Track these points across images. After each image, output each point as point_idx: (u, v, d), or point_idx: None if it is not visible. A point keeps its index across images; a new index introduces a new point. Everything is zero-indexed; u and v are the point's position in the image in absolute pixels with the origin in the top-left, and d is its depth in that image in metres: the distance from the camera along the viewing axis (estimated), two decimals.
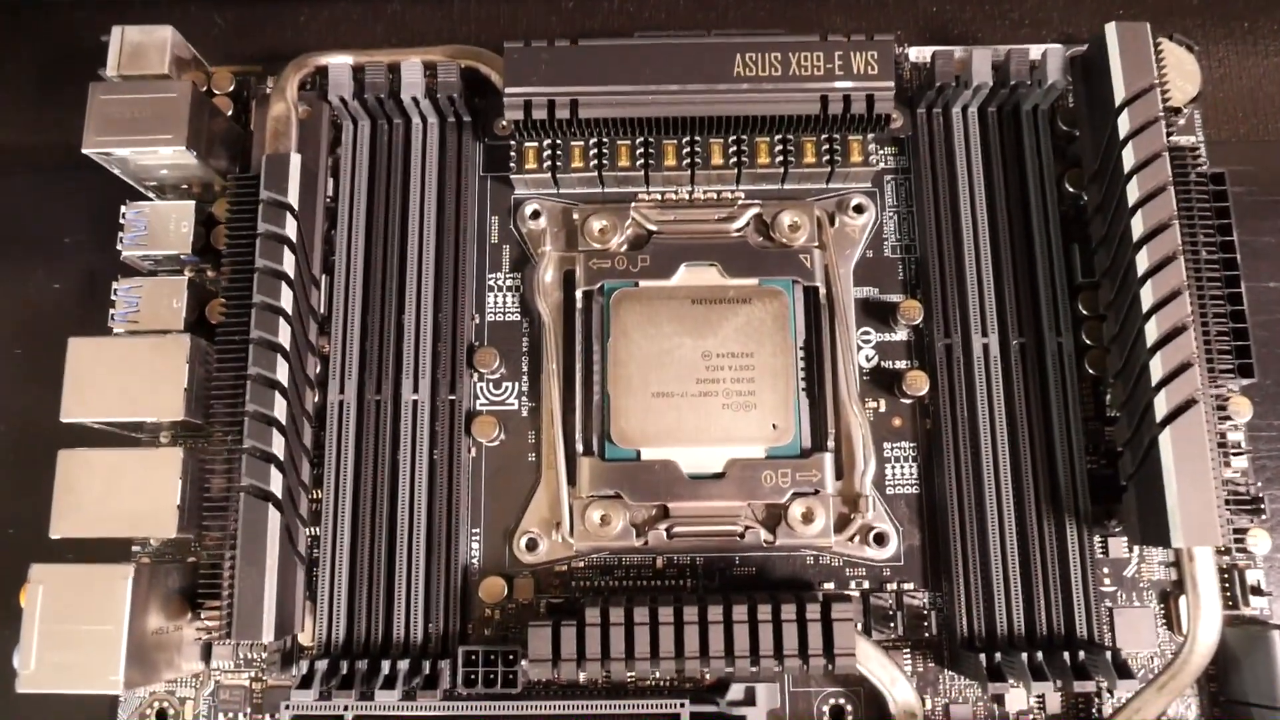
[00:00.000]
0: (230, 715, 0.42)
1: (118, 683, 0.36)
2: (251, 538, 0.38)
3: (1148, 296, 0.40)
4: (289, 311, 0.40)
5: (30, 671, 0.36)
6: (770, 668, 0.38)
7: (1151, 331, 0.39)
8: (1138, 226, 0.40)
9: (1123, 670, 0.38)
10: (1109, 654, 0.39)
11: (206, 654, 0.43)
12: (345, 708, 0.40)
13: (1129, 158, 0.41)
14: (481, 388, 0.45)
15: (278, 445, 0.39)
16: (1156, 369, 0.39)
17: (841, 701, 0.42)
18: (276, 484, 0.39)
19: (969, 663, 0.40)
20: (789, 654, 0.38)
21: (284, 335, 0.40)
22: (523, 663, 0.40)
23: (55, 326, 0.46)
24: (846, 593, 0.42)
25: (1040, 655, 0.39)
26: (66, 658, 0.36)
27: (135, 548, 0.43)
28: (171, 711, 0.42)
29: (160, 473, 0.39)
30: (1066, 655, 0.39)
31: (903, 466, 0.44)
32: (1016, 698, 0.42)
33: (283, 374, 0.39)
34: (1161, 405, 0.39)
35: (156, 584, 0.39)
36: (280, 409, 0.39)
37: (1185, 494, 0.38)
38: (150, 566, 0.39)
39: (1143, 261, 0.40)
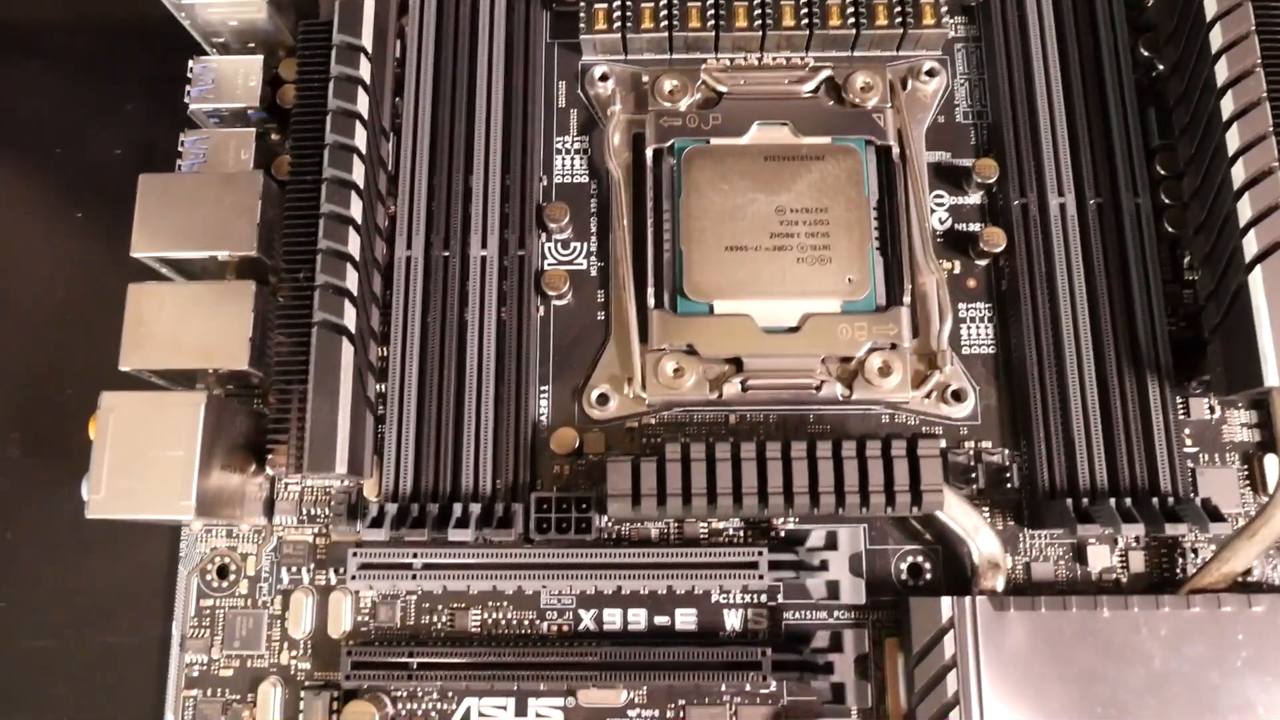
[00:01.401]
0: (293, 570, 0.41)
1: (189, 508, 0.35)
2: (324, 371, 0.37)
3: (1233, 141, 0.39)
4: (362, 151, 0.39)
5: (100, 497, 0.35)
6: (854, 509, 0.37)
7: (1238, 176, 0.39)
8: (1221, 72, 0.40)
9: (1215, 515, 0.38)
10: (1198, 501, 0.38)
11: (269, 509, 0.42)
12: (414, 555, 0.40)
13: (1210, 5, 0.41)
14: (550, 248, 0.44)
15: (351, 282, 0.38)
16: (1244, 211, 0.38)
17: (920, 559, 0.41)
18: (350, 320, 0.38)
19: (1054, 511, 0.39)
20: (874, 490, 0.37)
21: (358, 174, 0.39)
22: (600, 518, 0.39)
23: (115, 191, 0.46)
24: (932, 433, 0.41)
25: (1128, 502, 0.39)
26: (136, 484, 0.35)
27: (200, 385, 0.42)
28: (233, 567, 0.41)
29: (232, 305, 0.38)
30: (1155, 501, 0.39)
31: (978, 327, 0.43)
32: (1099, 555, 0.41)
33: (356, 212, 0.39)
34: (1251, 246, 0.38)
35: (225, 421, 0.38)
36: (354, 245, 0.39)
37: (1279, 331, 0.37)
38: (221, 400, 0.38)
39: (1227, 107, 0.39)
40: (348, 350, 0.38)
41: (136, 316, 0.38)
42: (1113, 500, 0.38)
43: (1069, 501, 0.38)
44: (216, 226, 0.38)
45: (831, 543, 0.38)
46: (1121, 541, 0.41)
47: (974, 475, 0.41)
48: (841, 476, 0.37)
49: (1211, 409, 0.42)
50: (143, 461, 0.36)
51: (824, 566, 0.38)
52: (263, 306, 0.39)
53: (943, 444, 0.41)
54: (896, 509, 0.37)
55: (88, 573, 0.42)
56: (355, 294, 0.38)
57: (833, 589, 0.38)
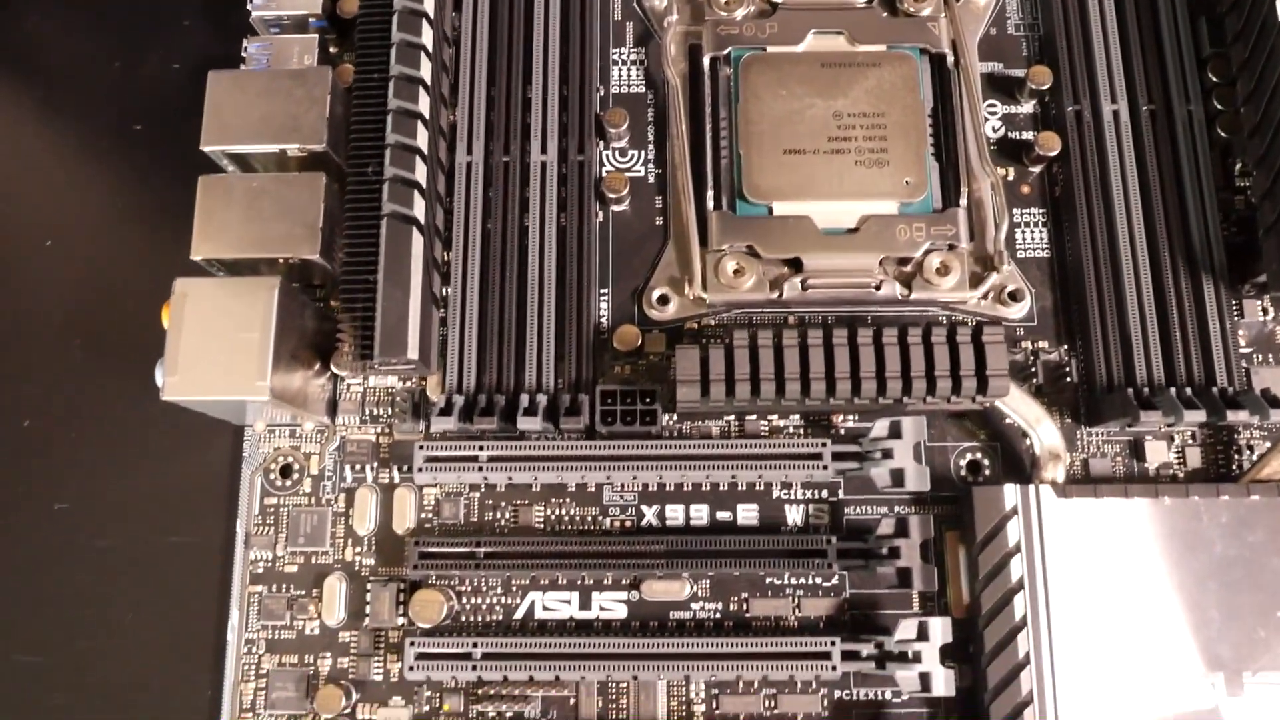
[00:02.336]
0: (356, 469, 0.42)
1: (264, 388, 0.36)
2: (394, 259, 0.38)
3: None
4: (429, 49, 0.40)
5: (175, 379, 0.36)
6: (919, 395, 0.38)
7: None
8: None
9: (1274, 402, 0.38)
10: (1258, 391, 0.39)
11: (332, 410, 0.42)
12: (480, 448, 0.40)
13: None
14: (608, 155, 0.44)
15: (420, 175, 0.39)
16: None
17: (979, 456, 0.41)
18: (419, 211, 0.39)
19: (1113, 403, 0.39)
20: (940, 374, 0.37)
21: (425, 71, 0.40)
22: (664, 416, 0.40)
23: (173, 106, 0.47)
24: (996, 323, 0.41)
25: (1188, 392, 0.39)
26: (211, 366, 0.36)
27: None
28: (296, 466, 0.42)
29: (302, 196, 0.38)
30: (1214, 391, 0.39)
31: (1032, 232, 0.44)
32: (1156, 450, 0.41)
33: (424, 107, 0.39)
34: None
35: (295, 310, 0.38)
36: (422, 140, 0.39)
37: None
38: (292, 288, 0.38)
39: None
40: (418, 241, 0.38)
41: (206, 208, 0.38)
42: (1172, 390, 0.39)
43: (1129, 391, 0.39)
44: (286, 121, 0.39)
45: (895, 432, 0.38)
46: (1178, 438, 0.41)
47: (1032, 372, 0.41)
48: (908, 361, 0.37)
49: (1265, 310, 0.42)
50: (217, 344, 0.36)
51: (888, 455, 0.38)
52: (331, 202, 0.40)
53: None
54: (962, 394, 0.38)
55: (151, 475, 0.43)
56: (424, 187, 0.39)
57: (897, 477, 0.39)
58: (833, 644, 0.37)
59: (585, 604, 0.40)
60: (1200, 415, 0.38)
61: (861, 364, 0.38)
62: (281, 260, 0.39)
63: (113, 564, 0.42)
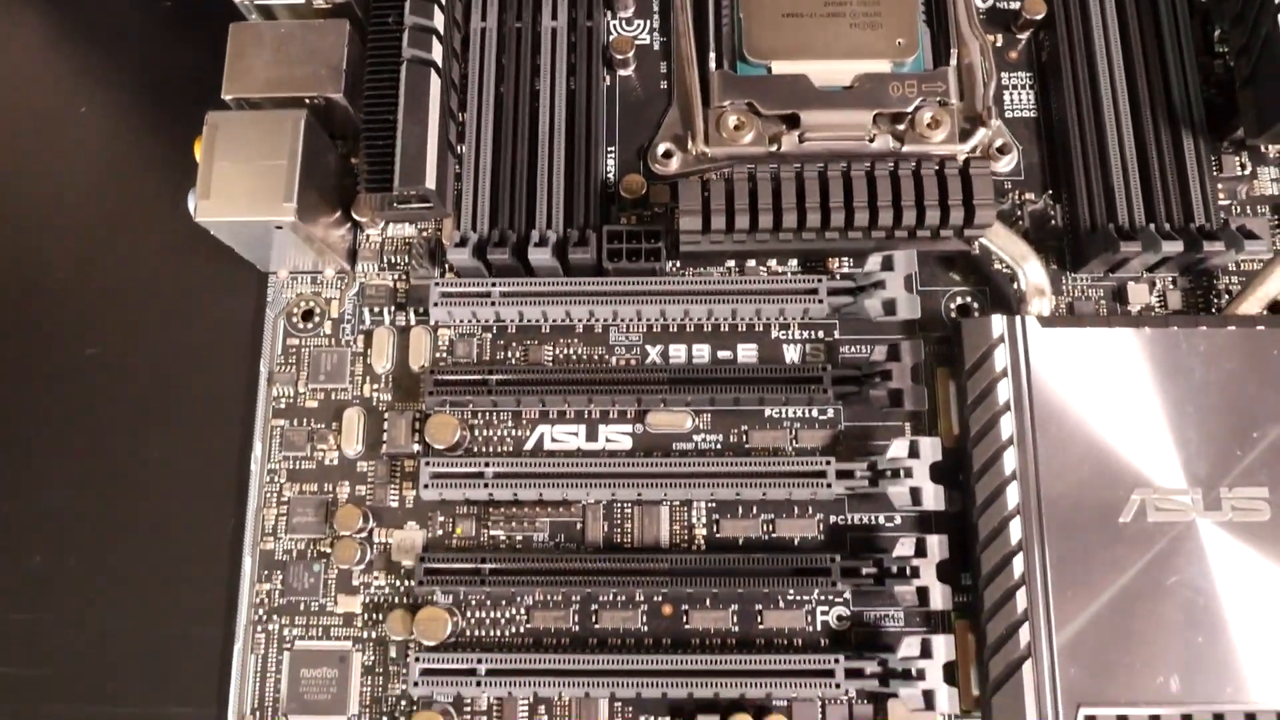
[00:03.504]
0: (375, 311, 0.44)
1: (290, 209, 0.38)
2: (414, 99, 0.40)
3: None
4: None
5: (208, 202, 0.38)
6: (909, 228, 0.40)
7: None
8: None
9: (1248, 234, 0.40)
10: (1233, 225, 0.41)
11: (351, 258, 0.44)
12: (493, 284, 0.42)
13: None
14: (615, 24, 0.47)
15: (438, 22, 0.41)
16: None
17: (968, 300, 0.43)
18: (437, 56, 0.41)
19: (1095, 242, 0.41)
20: (929, 204, 0.39)
21: None
22: (668, 264, 0.41)
23: None
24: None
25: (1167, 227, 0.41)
26: (241, 189, 0.38)
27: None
28: (318, 310, 0.44)
29: (327, 39, 0.41)
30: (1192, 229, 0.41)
31: (1020, 94, 0.46)
32: (1138, 293, 0.43)
33: None
34: None
35: (319, 147, 0.40)
36: None
37: None
38: (316, 124, 0.40)
39: None
40: (435, 84, 0.41)
41: (236, 52, 0.41)
42: (1152, 226, 0.41)
43: (1111, 226, 0.41)
44: None
45: (888, 265, 0.40)
46: (1160, 283, 0.43)
47: (1019, 220, 0.44)
48: (899, 191, 0.39)
49: (1243, 166, 0.44)
50: (246, 170, 0.38)
51: (880, 286, 0.40)
52: (354, 49, 0.42)
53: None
54: (950, 224, 0.40)
55: (179, 321, 0.45)
56: (441, 34, 0.41)
57: (889, 307, 0.40)
58: (827, 463, 0.39)
59: (592, 436, 0.42)
60: (1177, 245, 0.40)
61: (855, 195, 0.40)
62: (307, 100, 0.41)
63: (142, 407, 0.44)
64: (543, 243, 0.41)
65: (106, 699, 0.41)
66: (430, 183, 0.39)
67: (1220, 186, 0.44)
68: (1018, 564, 0.38)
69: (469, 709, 0.40)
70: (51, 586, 0.42)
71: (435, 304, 0.41)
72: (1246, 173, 0.44)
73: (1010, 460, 0.39)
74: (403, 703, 0.40)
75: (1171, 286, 0.43)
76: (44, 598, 0.42)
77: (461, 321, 0.43)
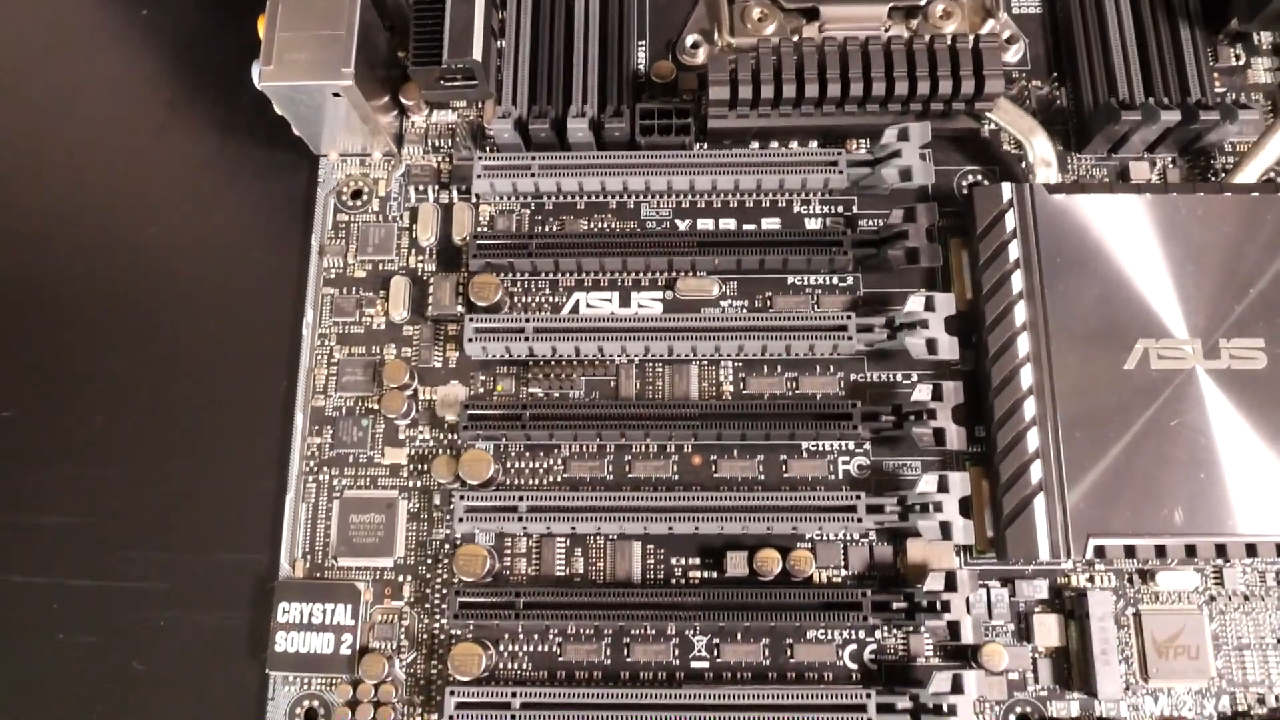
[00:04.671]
0: (420, 190, 0.46)
1: (349, 75, 0.40)
2: None
3: None
4: None
5: (270, 68, 0.41)
6: (923, 98, 0.42)
7: None
8: None
9: (1242, 105, 0.43)
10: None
11: (399, 141, 0.47)
12: (533, 158, 0.45)
13: None
14: None
15: None
16: None
17: (979, 178, 0.46)
18: None
19: (1098, 117, 0.44)
20: (943, 75, 0.42)
21: None
22: (696, 145, 0.44)
23: None
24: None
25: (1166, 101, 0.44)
26: (300, 58, 0.41)
27: None
28: (366, 190, 0.46)
29: None
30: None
31: None
32: (1140, 170, 0.45)
33: None
34: None
35: (374, 25, 0.43)
36: None
37: None
38: (371, 2, 0.43)
39: None
40: None
41: None
42: (1150, 100, 0.43)
43: (1113, 99, 0.43)
44: None
45: (903, 135, 0.43)
46: (1159, 162, 0.46)
47: (1026, 102, 0.46)
48: (913, 62, 0.42)
49: (1237, 57, 0.47)
50: (307, 39, 0.41)
51: (897, 155, 0.43)
52: None
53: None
54: (961, 95, 0.42)
55: (234, 203, 0.48)
56: None
57: (905, 174, 0.43)
58: (848, 317, 0.42)
59: (625, 302, 0.45)
60: (1175, 115, 0.42)
61: (872, 67, 0.42)
62: None
63: (199, 281, 0.47)
64: (580, 114, 0.43)
65: (169, 546, 0.43)
66: (477, 55, 0.42)
67: (1216, 78, 0.47)
68: (1029, 407, 0.41)
69: (509, 552, 0.42)
70: (116, 445, 0.45)
71: (478, 176, 0.44)
72: (1241, 63, 0.47)
73: (1021, 313, 0.41)
74: (446, 545, 0.43)
75: (1171, 165, 0.46)
76: (110, 456, 0.45)
77: (502, 196, 0.45)
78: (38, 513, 0.44)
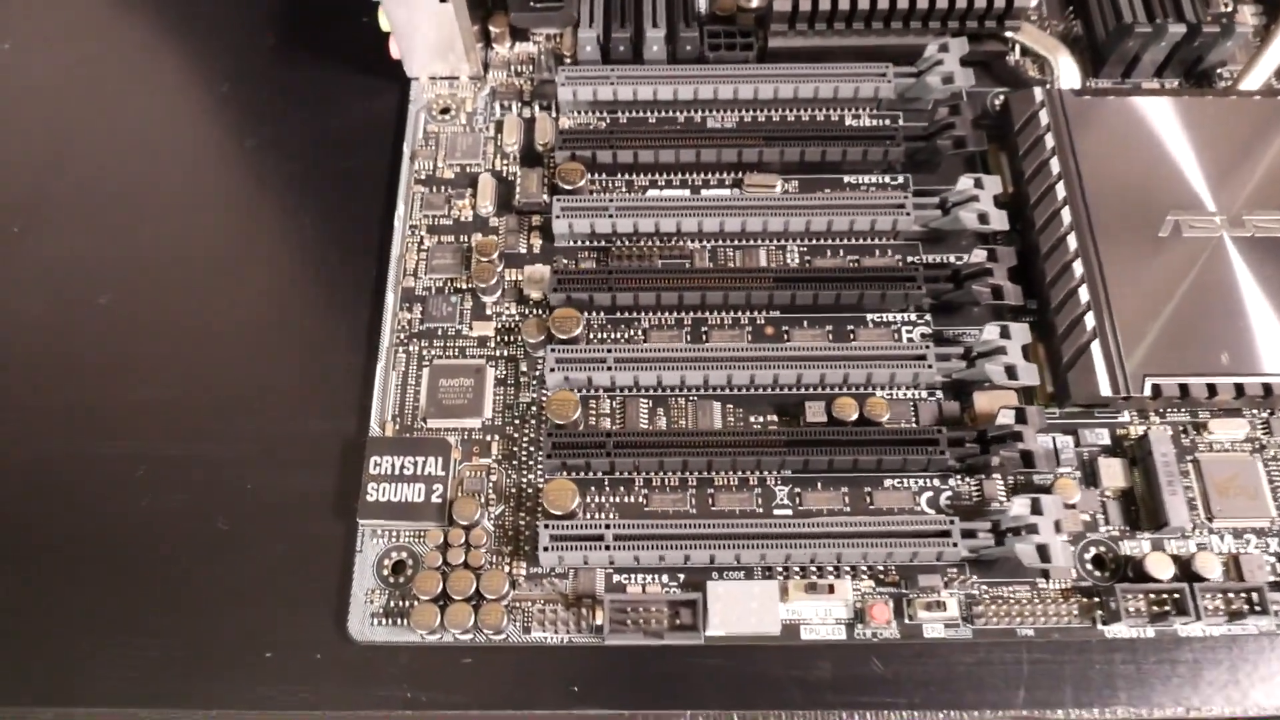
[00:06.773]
0: (504, 105, 0.50)
1: None
2: None
3: None
4: None
5: None
6: (959, 14, 0.48)
7: None
8: None
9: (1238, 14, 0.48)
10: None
11: (485, 67, 0.51)
12: (611, 69, 0.49)
13: None
14: None
15: None
16: None
17: (1004, 98, 0.50)
18: None
19: (1112, 37, 0.49)
20: None
21: None
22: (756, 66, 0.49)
23: None
24: None
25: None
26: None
27: None
28: (454, 107, 0.50)
29: None
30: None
31: None
32: (1150, 92, 0.51)
33: None
34: None
35: None
36: None
37: None
38: None
39: None
40: None
41: None
42: (1158, 20, 0.49)
43: (1122, 21, 0.49)
44: None
45: (943, 48, 0.48)
46: (1168, 86, 0.51)
47: (1046, 33, 0.52)
48: None
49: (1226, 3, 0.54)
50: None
51: (939, 64, 0.47)
52: None
53: None
54: (994, 10, 0.47)
55: (330, 117, 0.51)
56: None
57: (947, 78, 0.48)
58: (905, 197, 0.46)
59: (696, 194, 0.48)
60: (1181, 28, 0.48)
61: None
62: None
63: (298, 185, 0.50)
64: (656, 24, 0.48)
65: (258, 415, 0.45)
66: None
67: (1208, 16, 0.53)
68: (1077, 267, 0.44)
69: (593, 413, 0.44)
70: (211, 325, 0.47)
71: (561, 84, 0.48)
72: (1230, 9, 0.53)
73: (1061, 191, 0.45)
74: (532, 408, 0.44)
75: (1178, 89, 0.51)
76: (206, 336, 0.46)
77: (582, 106, 0.49)
78: (130, 389, 0.45)
